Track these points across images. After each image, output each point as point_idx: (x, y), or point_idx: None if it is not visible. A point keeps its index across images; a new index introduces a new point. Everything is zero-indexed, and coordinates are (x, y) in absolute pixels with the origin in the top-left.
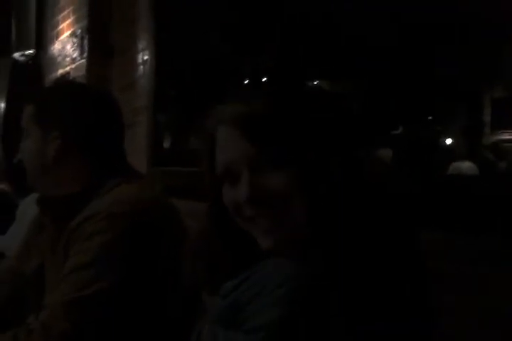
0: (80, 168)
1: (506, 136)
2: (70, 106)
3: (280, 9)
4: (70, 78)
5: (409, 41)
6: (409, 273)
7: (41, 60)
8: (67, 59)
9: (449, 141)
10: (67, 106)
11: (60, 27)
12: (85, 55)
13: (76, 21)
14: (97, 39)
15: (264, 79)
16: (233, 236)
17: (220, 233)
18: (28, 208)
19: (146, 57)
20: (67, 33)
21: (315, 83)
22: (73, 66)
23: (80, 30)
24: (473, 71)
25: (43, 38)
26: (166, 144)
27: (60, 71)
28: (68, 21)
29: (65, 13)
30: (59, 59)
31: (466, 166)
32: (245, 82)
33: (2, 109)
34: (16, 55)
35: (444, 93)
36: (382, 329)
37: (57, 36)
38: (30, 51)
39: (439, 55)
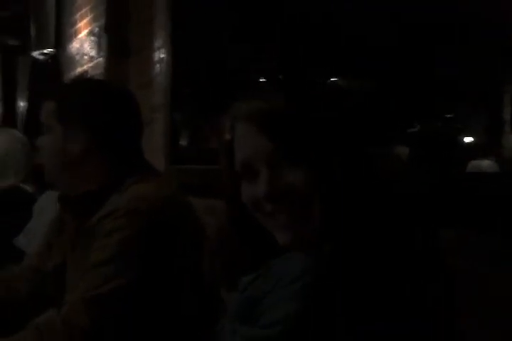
0: (99, 165)
1: None
2: (92, 103)
3: (289, 9)
4: (88, 76)
5: (421, 39)
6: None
7: (60, 58)
8: (85, 57)
9: (468, 139)
10: (89, 103)
11: (78, 25)
12: (103, 53)
13: (94, 20)
14: (115, 38)
15: (279, 77)
16: (251, 233)
17: (237, 230)
18: (44, 205)
19: (162, 56)
20: (85, 32)
21: (332, 80)
22: (91, 64)
23: (97, 29)
24: (493, 69)
25: (61, 37)
26: (183, 142)
27: (79, 69)
28: (86, 20)
29: (83, 11)
30: (77, 57)
31: (486, 164)
32: (260, 80)
33: (23, 108)
34: (36, 53)
35: (463, 91)
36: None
37: (76, 35)
38: (50, 49)
39: (457, 53)
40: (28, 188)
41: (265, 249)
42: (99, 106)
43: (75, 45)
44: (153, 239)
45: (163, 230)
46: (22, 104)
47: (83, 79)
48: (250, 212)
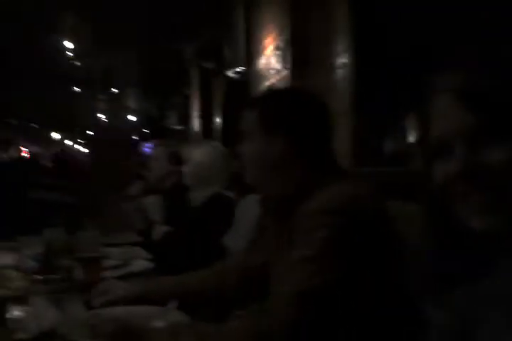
0: (296, 169)
1: None
2: (291, 110)
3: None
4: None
5: None
6: None
7: (249, 74)
8: (272, 71)
9: None
10: (288, 111)
11: (265, 42)
12: (288, 66)
13: (278, 35)
14: (298, 50)
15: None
16: (453, 237)
17: (438, 234)
18: (245, 208)
19: (344, 61)
20: (270, 47)
21: None
22: (278, 77)
23: (282, 44)
24: None
25: (250, 55)
26: (371, 145)
27: (266, 83)
28: (271, 36)
29: (268, 28)
30: (265, 72)
31: None
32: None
33: (219, 123)
34: (229, 72)
35: None
36: None
37: (263, 51)
38: (241, 68)
39: None
40: (229, 194)
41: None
42: (298, 113)
43: (262, 61)
44: (351, 239)
45: (360, 230)
46: (218, 119)
47: (281, 89)
48: (449, 214)
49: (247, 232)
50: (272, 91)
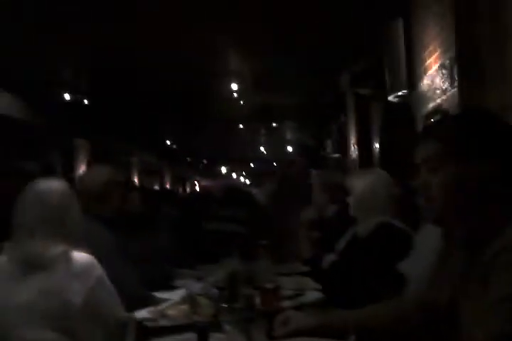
0: (497, 197)
1: None
2: (484, 134)
3: None
4: (444, 110)
5: None
6: None
7: (411, 97)
8: (437, 92)
9: None
10: (481, 135)
11: (428, 62)
12: (456, 84)
13: (443, 54)
14: (467, 66)
15: None
16: None
17: None
18: (426, 237)
19: None
20: (434, 67)
21: None
22: (444, 97)
23: (448, 61)
24: None
25: (412, 77)
26: None
27: (431, 105)
28: (435, 55)
29: (431, 48)
30: (429, 93)
31: None
32: None
33: (378, 149)
34: (390, 97)
35: None
36: None
37: (425, 72)
38: (402, 91)
39: None
40: (397, 223)
41: None
42: (488, 137)
43: (425, 82)
44: None
45: None
46: (377, 145)
47: (460, 112)
48: None
49: (427, 263)
50: (452, 116)
